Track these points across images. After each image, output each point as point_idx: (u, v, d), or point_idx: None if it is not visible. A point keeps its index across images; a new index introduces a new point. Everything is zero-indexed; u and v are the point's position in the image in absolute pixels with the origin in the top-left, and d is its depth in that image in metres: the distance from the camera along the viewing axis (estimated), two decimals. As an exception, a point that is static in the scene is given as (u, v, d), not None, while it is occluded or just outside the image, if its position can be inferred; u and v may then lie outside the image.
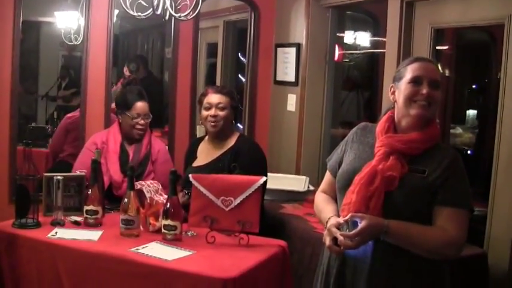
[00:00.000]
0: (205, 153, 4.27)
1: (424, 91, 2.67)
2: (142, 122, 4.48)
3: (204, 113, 4.20)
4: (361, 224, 2.56)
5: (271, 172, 5.30)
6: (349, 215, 2.63)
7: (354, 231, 2.58)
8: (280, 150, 5.96)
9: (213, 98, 4.19)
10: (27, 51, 5.80)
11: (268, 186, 4.53)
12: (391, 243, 2.60)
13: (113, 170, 4.32)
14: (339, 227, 2.66)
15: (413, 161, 2.66)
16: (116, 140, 4.52)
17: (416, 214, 2.62)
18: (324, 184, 3.10)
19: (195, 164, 4.25)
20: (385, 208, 2.62)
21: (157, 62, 7.21)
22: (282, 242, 3.50)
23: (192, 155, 4.37)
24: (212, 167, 4.01)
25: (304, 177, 5.19)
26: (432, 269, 2.65)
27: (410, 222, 2.59)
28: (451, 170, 2.62)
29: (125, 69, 6.46)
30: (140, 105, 4.50)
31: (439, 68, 2.79)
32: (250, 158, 4.06)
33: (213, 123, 4.15)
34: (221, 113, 4.15)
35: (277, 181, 4.97)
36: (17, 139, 5.15)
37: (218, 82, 6.98)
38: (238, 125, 6.24)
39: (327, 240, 2.68)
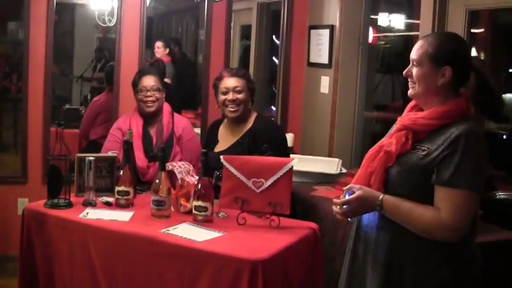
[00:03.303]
0: (224, 138, 4.25)
1: (404, 71, 2.68)
2: (149, 94, 4.48)
3: (222, 97, 4.17)
4: (352, 195, 2.63)
5: (304, 154, 5.30)
6: (348, 185, 2.70)
7: (340, 200, 2.67)
8: (313, 132, 5.92)
9: (230, 81, 4.15)
10: (62, 33, 5.93)
11: (301, 168, 4.52)
12: None
13: (136, 156, 4.29)
14: None
15: (425, 139, 2.60)
16: (138, 124, 4.53)
17: (413, 193, 2.57)
18: None
19: (216, 149, 4.22)
20: (385, 184, 2.63)
21: (191, 44, 7.24)
22: (313, 225, 3.47)
23: (212, 139, 4.34)
24: (232, 152, 3.97)
25: (336, 159, 5.15)
26: (431, 247, 2.56)
27: (408, 199, 2.56)
28: (453, 146, 2.48)
29: (156, 49, 6.47)
30: (145, 79, 4.53)
31: (434, 43, 2.63)
32: (271, 139, 4.01)
33: (232, 108, 4.13)
34: (239, 96, 4.12)
35: (309, 163, 4.94)
36: (51, 120, 5.22)
37: (252, 64, 6.99)
38: (272, 107, 6.23)
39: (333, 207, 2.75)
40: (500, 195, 4.48)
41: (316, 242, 3.39)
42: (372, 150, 2.74)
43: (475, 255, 2.64)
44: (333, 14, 5.59)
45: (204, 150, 3.49)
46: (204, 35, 5.78)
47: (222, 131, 4.32)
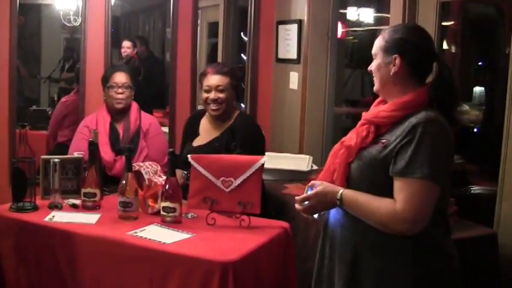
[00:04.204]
0: (205, 132, 4.17)
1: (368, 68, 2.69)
2: (120, 91, 4.47)
3: (204, 95, 4.08)
4: (311, 192, 2.61)
5: (274, 151, 5.24)
6: (311, 182, 2.68)
7: (301, 196, 2.66)
8: (283, 129, 5.88)
9: (212, 79, 4.06)
10: (29, 34, 5.85)
11: (271, 166, 4.47)
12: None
13: (103, 151, 4.23)
14: None
15: (386, 132, 2.55)
16: (104, 120, 4.50)
17: (374, 187, 2.51)
18: None
19: (196, 142, 4.15)
20: (348, 180, 2.59)
21: (158, 43, 7.17)
22: (285, 224, 3.41)
23: (193, 131, 4.25)
24: (210, 147, 3.94)
25: (307, 156, 5.10)
26: (396, 246, 2.49)
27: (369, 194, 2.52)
28: (410, 135, 2.42)
29: (123, 50, 6.40)
30: (116, 75, 4.51)
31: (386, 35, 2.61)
32: (247, 136, 3.97)
33: (214, 107, 4.04)
34: (221, 96, 4.03)
35: (280, 161, 4.89)
36: (18, 122, 5.11)
37: (220, 61, 6.89)
38: (242, 104, 6.17)
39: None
40: (475, 189, 4.46)
41: (287, 241, 3.33)
42: (335, 147, 2.70)
43: (447, 253, 2.57)
44: (300, 9, 5.54)
45: (170, 149, 3.40)
46: (171, 33, 5.72)
47: (205, 124, 4.22)
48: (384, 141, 2.51)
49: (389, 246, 2.49)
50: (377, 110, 2.63)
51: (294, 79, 5.67)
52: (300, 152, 5.50)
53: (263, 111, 6.02)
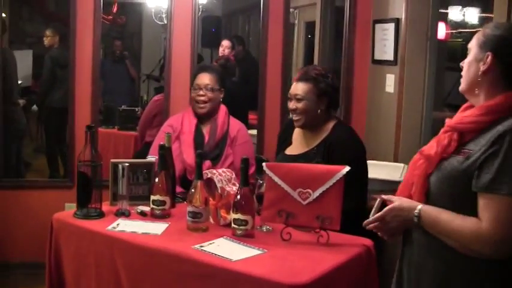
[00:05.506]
0: (299, 141, 3.83)
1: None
2: (201, 92, 4.27)
3: (288, 103, 3.78)
4: (385, 208, 2.34)
5: (368, 159, 4.93)
6: (380, 198, 2.43)
7: (375, 216, 2.39)
8: (378, 134, 5.55)
9: (293, 87, 3.73)
10: (130, 34, 6.32)
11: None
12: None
13: (186, 154, 4.11)
14: None
15: (471, 140, 2.25)
16: (190, 122, 4.31)
17: (455, 203, 2.22)
18: None
19: (289, 151, 3.83)
20: (427, 195, 2.31)
21: (257, 43, 7.06)
22: (367, 241, 3.05)
23: (286, 138, 3.94)
24: (306, 159, 3.58)
25: (402, 164, 4.79)
26: (482, 271, 2.20)
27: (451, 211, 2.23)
28: (495, 146, 2.13)
29: (221, 49, 6.40)
30: (200, 76, 4.34)
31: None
32: (346, 155, 3.54)
33: (294, 118, 3.72)
34: (299, 106, 3.66)
35: (371, 169, 4.53)
36: (104, 123, 5.48)
37: (316, 62, 6.67)
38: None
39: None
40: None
41: (369, 261, 2.99)
42: (414, 158, 2.43)
43: None
44: (398, 6, 5.21)
45: (244, 157, 3.11)
46: (261, 33, 5.55)
47: (297, 132, 3.88)
48: (466, 150, 2.22)
49: (478, 272, 2.20)
50: (462, 116, 2.34)
51: (390, 82, 5.35)
52: (395, 160, 5.18)
53: (358, 115, 5.73)
